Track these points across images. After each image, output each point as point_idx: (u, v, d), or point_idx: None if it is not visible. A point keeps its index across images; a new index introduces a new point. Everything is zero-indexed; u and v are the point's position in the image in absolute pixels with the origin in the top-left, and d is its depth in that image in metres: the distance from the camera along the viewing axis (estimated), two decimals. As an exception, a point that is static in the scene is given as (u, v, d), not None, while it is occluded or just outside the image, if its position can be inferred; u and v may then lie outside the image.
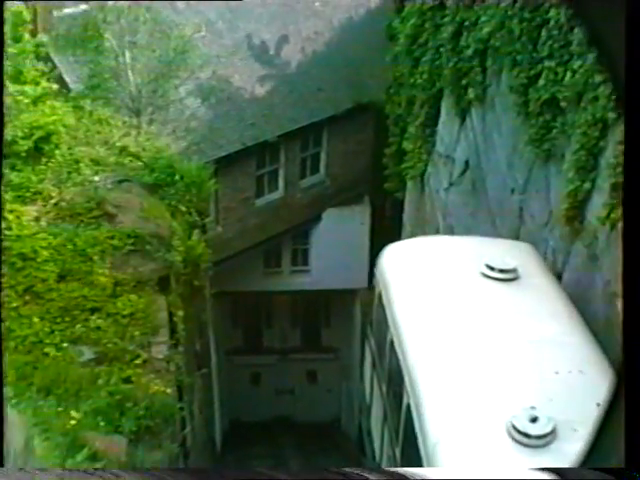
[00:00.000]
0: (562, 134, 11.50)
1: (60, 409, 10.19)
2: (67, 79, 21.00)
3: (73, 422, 9.73)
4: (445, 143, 18.37)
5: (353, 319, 32.29)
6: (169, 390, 12.50)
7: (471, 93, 16.13)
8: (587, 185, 10.44)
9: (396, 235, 27.37)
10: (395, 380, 11.73)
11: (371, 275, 30.79)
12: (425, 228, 20.29)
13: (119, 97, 20.29)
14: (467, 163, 16.61)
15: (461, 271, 12.01)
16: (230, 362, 33.01)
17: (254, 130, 25.67)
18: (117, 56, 20.19)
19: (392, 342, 11.89)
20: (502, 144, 14.45)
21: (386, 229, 29.65)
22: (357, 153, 28.64)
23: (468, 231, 15.96)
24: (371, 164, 28.62)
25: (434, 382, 10.25)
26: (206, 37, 25.06)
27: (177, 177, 17.83)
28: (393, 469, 9.70)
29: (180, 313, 15.12)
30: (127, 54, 20.20)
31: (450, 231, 17.23)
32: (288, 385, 35.27)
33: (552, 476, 5.10)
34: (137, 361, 12.77)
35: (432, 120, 19.73)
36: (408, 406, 10.49)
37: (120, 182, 16.52)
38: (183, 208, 17.73)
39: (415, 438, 9.76)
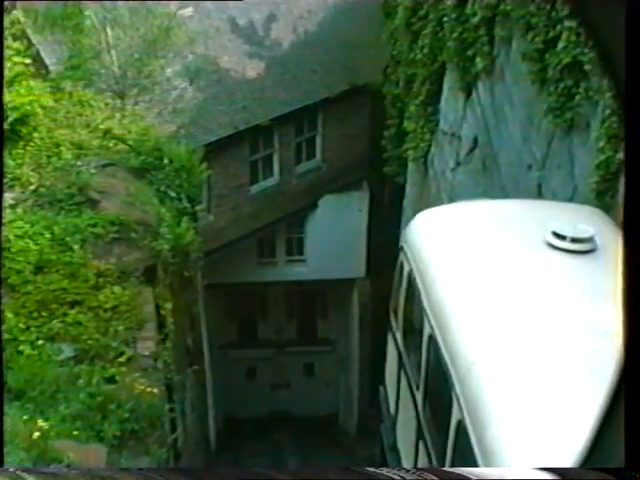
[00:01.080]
0: (587, 100, 10.38)
1: (26, 417, 9.04)
2: (46, 59, 19.87)
3: (38, 434, 8.56)
4: (450, 121, 17.28)
5: (351, 310, 31.56)
6: (156, 390, 11.36)
7: (478, 65, 15.02)
8: (620, 155, 9.29)
9: (396, 222, 26.46)
10: (436, 388, 9.16)
11: (369, 265, 30.56)
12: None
13: (102, 78, 19.16)
14: (475, 140, 15.52)
15: (521, 242, 9.25)
16: (224, 356, 32.21)
17: (246, 113, 24.69)
18: (99, 34, 19.05)
19: (431, 337, 9.10)
20: (515, 117, 13.33)
21: (385, 216, 28.76)
22: (354, 137, 27.80)
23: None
24: (369, 148, 27.87)
25: (502, 393, 7.46)
26: (194, 17, 23.98)
27: (165, 161, 16.86)
28: (418, 469, 8.95)
29: (168, 306, 14.04)
30: (109, 32, 19.10)
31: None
32: (284, 379, 34.58)
33: (553, 476, 5.38)
34: (121, 359, 11.66)
35: (434, 97, 18.66)
36: (460, 424, 7.82)
37: (104, 166, 15.44)
38: (172, 194, 16.70)
39: (475, 463, 7.16)
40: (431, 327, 9.12)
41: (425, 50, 18.24)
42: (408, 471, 7.53)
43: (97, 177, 14.83)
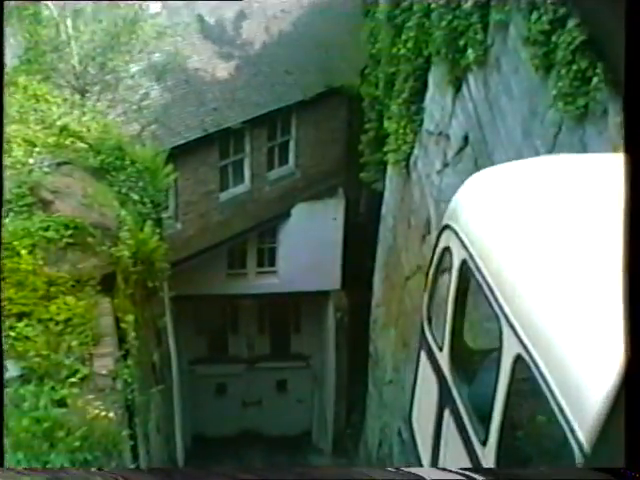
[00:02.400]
0: (605, 84, 9.12)
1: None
2: (-1, 51, 18.37)
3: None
4: (436, 119, 16.02)
5: (326, 324, 30.57)
6: (113, 414, 9.94)
7: (469, 55, 13.74)
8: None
9: (373, 231, 25.31)
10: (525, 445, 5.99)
11: (344, 276, 29.38)
12: (412, 219, 17.91)
13: (60, 73, 17.73)
14: (466, 138, 14.26)
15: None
16: (193, 373, 31.61)
17: (215, 115, 23.48)
18: (58, 26, 17.63)
19: (520, 358, 5.43)
20: (514, 110, 12.04)
21: (362, 225, 27.72)
22: (329, 142, 26.90)
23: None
24: (345, 153, 27.10)
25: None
26: (161, 14, 22.66)
27: (128, 161, 15.48)
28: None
29: (130, 318, 12.63)
30: (69, 24, 17.67)
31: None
32: (256, 396, 33.69)
33: (554, 475, 5.20)
34: (74, 378, 10.22)
35: (418, 95, 17.43)
36: None
37: (59, 165, 14.00)
38: (135, 197, 15.34)
39: None
40: (521, 344, 5.42)
41: (409, 44, 16.99)
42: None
43: (51, 176, 13.39)
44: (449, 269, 7.31)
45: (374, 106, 22.82)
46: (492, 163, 12.86)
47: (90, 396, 9.88)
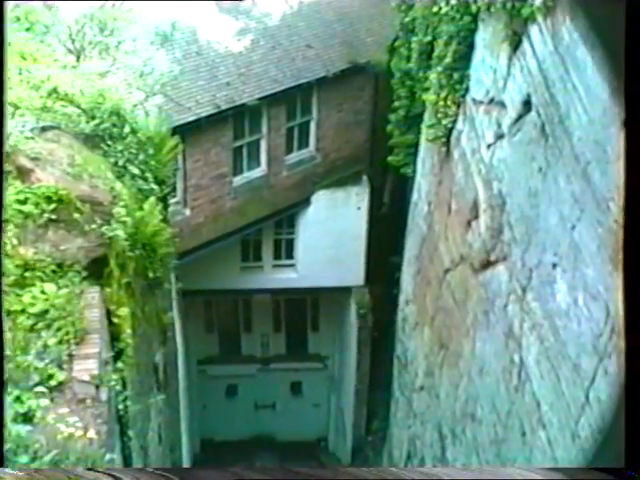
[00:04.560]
0: None
1: None
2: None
3: None
4: (485, 85, 13.79)
5: (346, 323, 28.76)
6: (94, 432, 7.71)
7: (535, 2, 11.51)
8: None
9: (400, 221, 23.24)
10: None
11: (368, 271, 27.32)
12: (453, 203, 15.67)
13: (53, 31, 15.55)
14: (527, 104, 12.00)
15: None
16: (202, 373, 30.82)
17: (229, 90, 21.32)
18: (51, -21, 15.50)
19: None
20: (597, 60, 9.81)
21: (386, 215, 25.69)
22: (353, 124, 24.75)
23: (535, 197, 11.36)
24: (370, 137, 25.07)
25: None
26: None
27: (127, 130, 13.27)
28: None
29: (123, 312, 10.43)
30: (64, -23, 15.52)
31: (501, 200, 12.60)
32: (269, 399, 32.65)
33: (555, 476, 6.22)
34: (46, 386, 8.03)
35: (463, 60, 15.22)
36: None
37: (44, 129, 11.77)
38: (135, 170, 13.12)
39: None
40: None
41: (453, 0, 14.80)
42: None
43: (33, 142, 11.17)
44: None
45: (405, 82, 20.94)
46: (565, 129, 10.63)
47: (64, 409, 7.67)
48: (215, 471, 10.06)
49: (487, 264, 13.05)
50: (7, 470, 6.59)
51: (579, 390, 9.89)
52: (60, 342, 8.66)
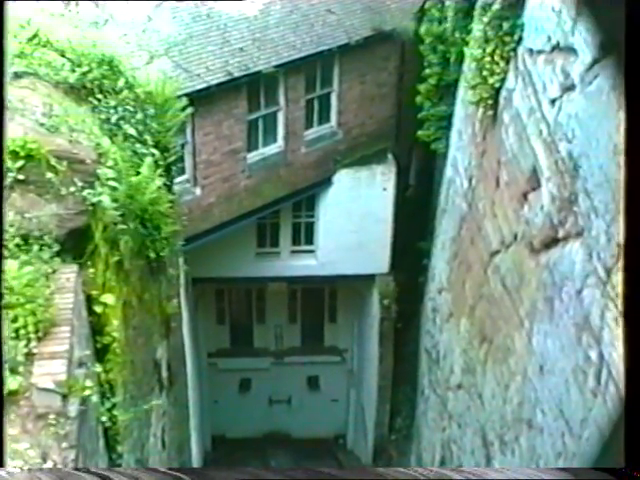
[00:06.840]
0: None
1: None
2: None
3: None
4: (548, 30, 11.67)
5: (367, 313, 27.04)
6: (58, 457, 5.67)
7: None
8: None
9: (429, 204, 21.40)
10: None
11: (394, 257, 25.42)
12: (504, 174, 13.58)
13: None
14: (603, 47, 9.92)
15: None
16: (213, 367, 29.69)
17: (243, 57, 19.36)
18: None
19: None
20: None
21: (414, 197, 23.87)
22: (378, 97, 22.79)
23: (623, 155, 9.36)
24: (396, 112, 23.14)
25: None
26: None
27: (122, 83, 11.25)
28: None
29: (108, 299, 8.37)
30: None
31: (572, 163, 10.51)
32: (284, 394, 31.58)
33: (556, 475, 6.13)
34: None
35: (513, 8, 13.13)
36: None
37: (18, 76, 9.77)
38: (130, 130, 11.07)
39: None
40: None
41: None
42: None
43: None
44: None
45: (436, 47, 19.17)
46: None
47: (14, 430, 5.62)
48: (229, 471, 8.95)
49: (553, 242, 11.02)
50: (7, 470, 5.56)
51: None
52: (16, 337, 6.63)
